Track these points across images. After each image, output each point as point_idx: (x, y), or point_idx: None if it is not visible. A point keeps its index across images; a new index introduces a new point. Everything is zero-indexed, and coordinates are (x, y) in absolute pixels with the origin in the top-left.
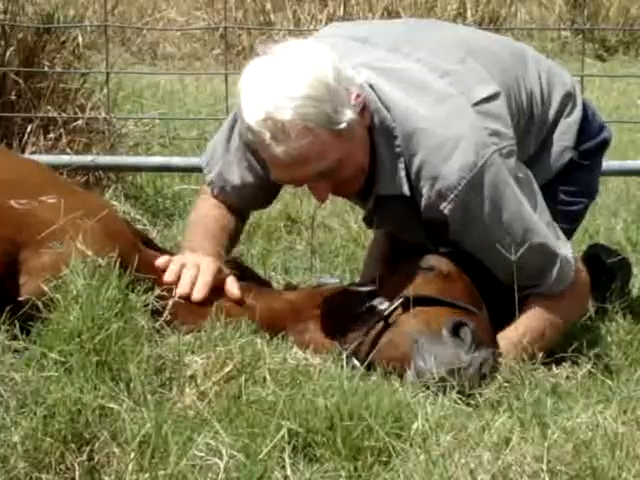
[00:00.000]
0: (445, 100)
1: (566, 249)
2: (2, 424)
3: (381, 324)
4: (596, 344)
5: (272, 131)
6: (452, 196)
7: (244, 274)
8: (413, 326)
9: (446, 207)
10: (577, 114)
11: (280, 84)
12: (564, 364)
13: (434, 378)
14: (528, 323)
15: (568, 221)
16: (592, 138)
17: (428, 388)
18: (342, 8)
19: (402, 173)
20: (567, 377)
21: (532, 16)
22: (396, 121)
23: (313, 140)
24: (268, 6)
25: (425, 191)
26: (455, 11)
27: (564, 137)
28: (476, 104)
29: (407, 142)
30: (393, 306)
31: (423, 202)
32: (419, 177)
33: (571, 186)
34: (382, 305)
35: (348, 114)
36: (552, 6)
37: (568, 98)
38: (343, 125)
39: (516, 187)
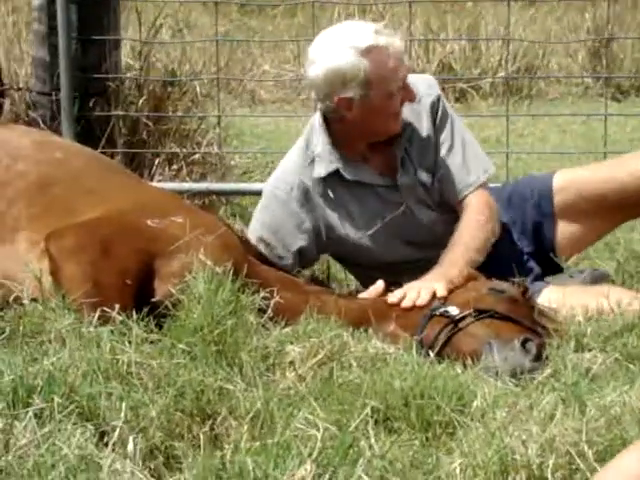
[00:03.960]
0: None
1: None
2: (142, 402)
3: (451, 326)
4: (621, 335)
5: (386, 31)
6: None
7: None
8: (485, 331)
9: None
10: None
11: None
12: (595, 352)
13: (497, 374)
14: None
15: None
16: None
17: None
18: None
19: None
20: (600, 364)
21: (560, 65)
22: None
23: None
24: None
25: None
26: (497, 62)
27: None
28: None
29: None
30: (465, 313)
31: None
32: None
33: None
34: (455, 311)
35: None
36: (576, 56)
37: None
38: None
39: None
